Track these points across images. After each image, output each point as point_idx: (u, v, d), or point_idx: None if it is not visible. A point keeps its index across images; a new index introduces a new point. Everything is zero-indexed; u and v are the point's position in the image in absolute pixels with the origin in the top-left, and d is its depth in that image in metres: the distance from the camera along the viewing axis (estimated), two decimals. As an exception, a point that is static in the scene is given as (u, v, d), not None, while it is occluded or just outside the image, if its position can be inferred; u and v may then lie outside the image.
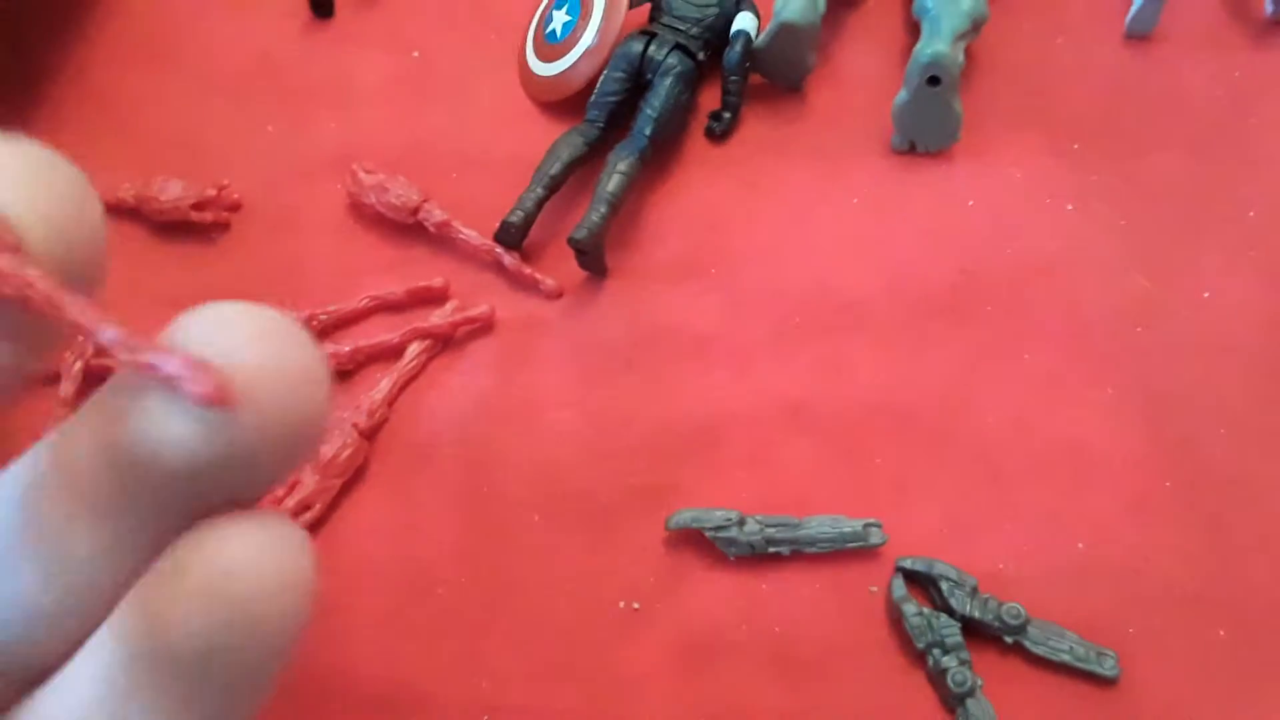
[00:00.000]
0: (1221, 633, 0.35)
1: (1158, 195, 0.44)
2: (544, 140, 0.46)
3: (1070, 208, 0.44)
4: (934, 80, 0.43)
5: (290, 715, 0.36)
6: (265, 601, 0.17)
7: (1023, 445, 0.39)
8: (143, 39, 0.52)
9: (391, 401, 0.42)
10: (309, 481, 0.39)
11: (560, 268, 0.44)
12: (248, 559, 0.17)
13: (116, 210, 0.46)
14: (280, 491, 0.39)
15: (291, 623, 0.18)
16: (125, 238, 0.46)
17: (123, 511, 0.17)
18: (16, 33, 0.51)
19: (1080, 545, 0.37)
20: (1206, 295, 0.42)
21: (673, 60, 0.45)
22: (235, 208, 0.47)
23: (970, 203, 0.44)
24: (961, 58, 0.43)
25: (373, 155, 0.47)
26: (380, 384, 0.41)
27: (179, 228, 0.46)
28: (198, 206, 0.46)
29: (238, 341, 0.17)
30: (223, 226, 0.46)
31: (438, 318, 0.43)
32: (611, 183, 0.43)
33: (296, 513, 0.39)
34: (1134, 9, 0.47)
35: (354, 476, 0.40)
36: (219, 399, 0.16)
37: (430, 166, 0.47)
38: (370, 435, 0.41)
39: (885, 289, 0.43)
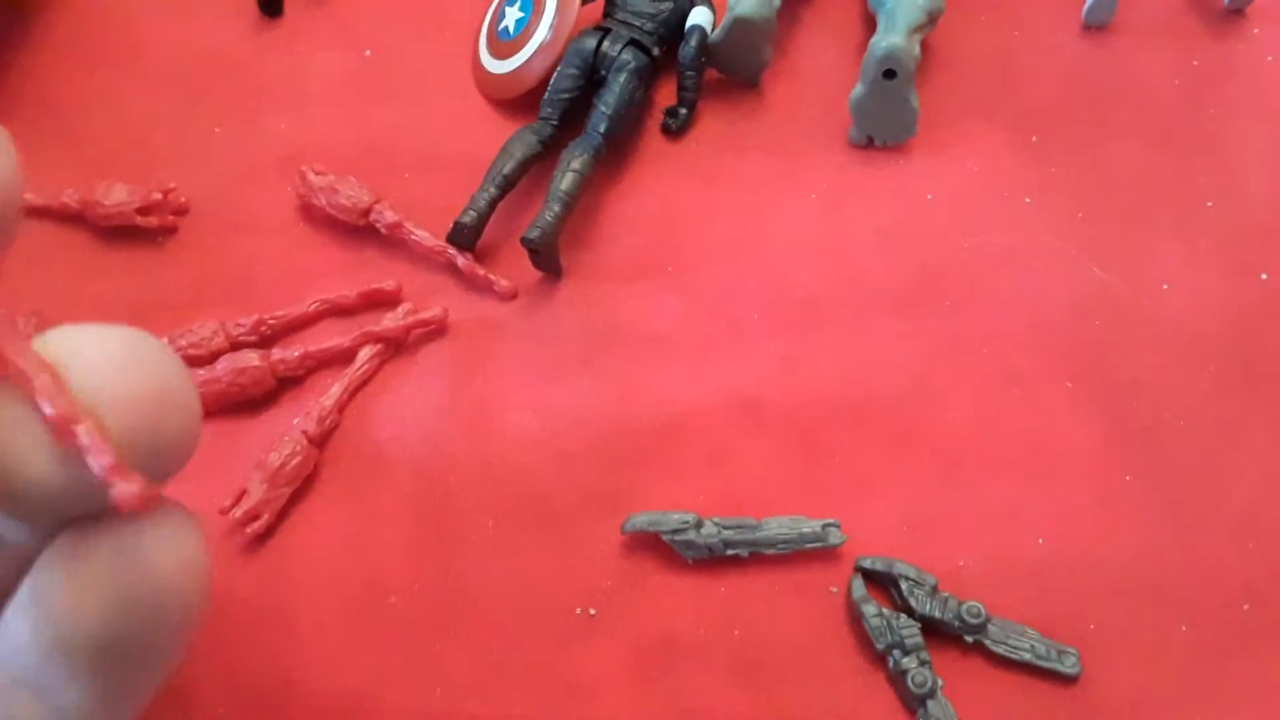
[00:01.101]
0: (1183, 627, 0.35)
1: (1116, 186, 0.44)
2: (498, 138, 0.45)
3: (1028, 200, 0.43)
4: (890, 73, 0.43)
5: (239, 730, 0.35)
6: (164, 587, 0.19)
7: (982, 441, 0.39)
8: (86, 38, 0.50)
9: (343, 408, 0.41)
10: (256, 490, 0.38)
11: (515, 268, 0.43)
12: (147, 548, 0.19)
13: (60, 215, 0.45)
14: (227, 502, 0.38)
15: (191, 603, 0.19)
16: (69, 243, 0.45)
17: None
18: (-44, 35, 0.50)
19: (1040, 541, 0.36)
20: (1166, 287, 0.41)
21: (627, 56, 0.44)
22: (182, 211, 0.46)
23: (928, 196, 0.44)
24: (917, 50, 0.43)
25: (324, 156, 0.46)
26: (331, 390, 0.41)
27: (124, 232, 0.45)
28: (143, 210, 0.45)
29: (100, 365, 0.18)
30: (169, 230, 0.45)
31: (390, 321, 0.42)
32: (565, 181, 0.42)
33: (244, 522, 0.38)
34: (1090, 0, 0.47)
35: (304, 485, 0.39)
36: (139, 506, 0.18)
37: (383, 167, 0.46)
38: (320, 442, 0.40)
39: (843, 285, 0.42)
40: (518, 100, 0.47)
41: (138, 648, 0.19)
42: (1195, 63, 0.47)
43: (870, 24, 0.48)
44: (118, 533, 0.18)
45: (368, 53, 0.50)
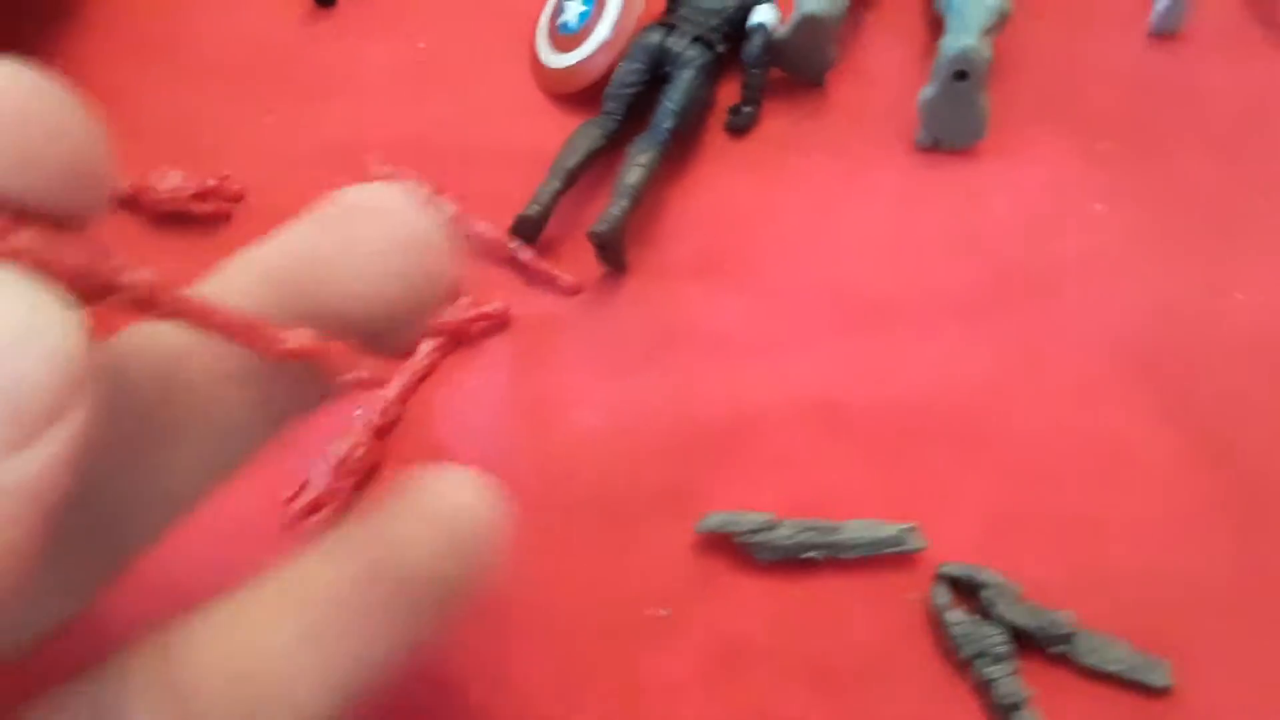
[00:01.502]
0: (1275, 639, 0.34)
1: (1187, 196, 0.43)
2: (555, 133, 0.44)
3: (1099, 207, 0.43)
4: (961, 75, 0.42)
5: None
6: (481, 537, 0.22)
7: (1060, 449, 0.38)
8: (139, 29, 0.50)
9: (405, 400, 0.40)
10: (319, 481, 0.37)
11: (576, 263, 0.42)
12: (470, 502, 0.23)
13: (112, 201, 0.44)
14: (289, 492, 0.37)
15: (492, 558, 0.23)
16: (121, 230, 0.44)
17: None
18: (12, 24, 0.49)
19: (1127, 551, 0.36)
20: (1240, 297, 0.41)
21: (693, 52, 0.44)
22: (237, 198, 0.45)
23: (999, 201, 0.43)
24: (989, 52, 0.42)
25: (378, 147, 0.45)
26: (393, 382, 0.40)
27: (178, 219, 0.44)
28: (198, 197, 0.44)
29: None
30: (223, 218, 0.44)
31: (450, 315, 0.41)
32: (632, 175, 0.41)
33: (306, 514, 0.37)
34: (1159, 8, 0.47)
35: (366, 477, 0.38)
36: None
37: (437, 160, 0.45)
38: (383, 434, 0.39)
39: (913, 288, 0.41)
40: (576, 95, 0.47)
41: (448, 596, 0.22)
42: (1265, 74, 0.46)
43: (935, 26, 0.47)
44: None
45: (422, 45, 0.50)
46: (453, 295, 0.23)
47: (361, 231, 0.22)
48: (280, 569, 0.23)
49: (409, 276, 0.22)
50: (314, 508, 0.37)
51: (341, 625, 0.22)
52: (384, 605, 0.22)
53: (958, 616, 0.34)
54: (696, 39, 0.44)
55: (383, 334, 0.23)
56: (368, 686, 0.22)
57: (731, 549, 0.36)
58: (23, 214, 0.17)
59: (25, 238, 0.17)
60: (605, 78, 0.45)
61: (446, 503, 0.22)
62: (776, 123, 0.46)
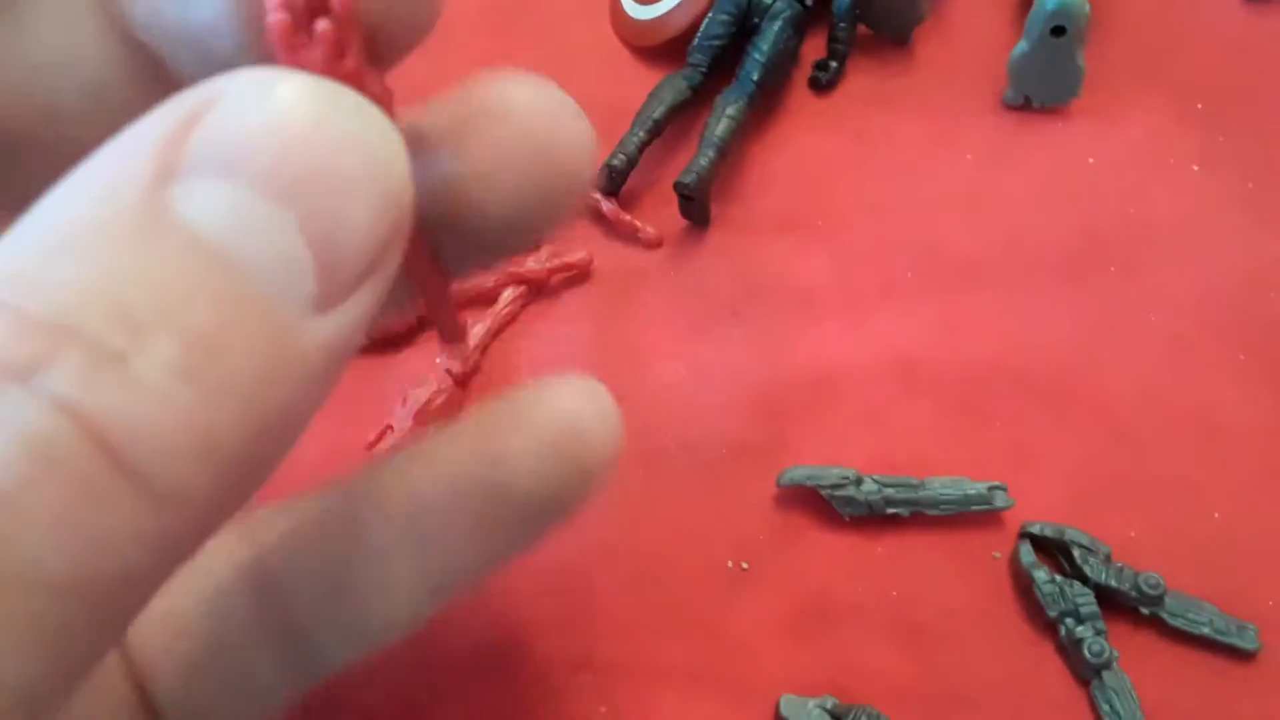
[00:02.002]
0: (1366, 609, 0.34)
1: (1283, 159, 0.42)
2: (637, 86, 0.44)
3: (1196, 168, 0.42)
4: (1059, 30, 0.41)
5: (392, 672, 0.34)
6: (591, 459, 0.22)
7: (1151, 411, 0.37)
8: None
9: (485, 348, 0.40)
10: (402, 426, 0.38)
11: (659, 216, 0.42)
12: (587, 422, 0.22)
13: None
14: (373, 436, 0.38)
15: (601, 478, 0.22)
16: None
17: None
18: None
19: (1216, 515, 0.35)
20: (1339, 262, 0.40)
21: (781, 4, 0.43)
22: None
23: (1090, 161, 0.42)
24: (1088, 7, 0.42)
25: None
26: (474, 329, 0.40)
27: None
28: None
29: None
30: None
31: (533, 263, 0.41)
32: (721, 127, 0.41)
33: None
34: (1258, -32, 0.45)
35: (447, 423, 0.39)
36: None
37: (519, 111, 0.45)
38: (464, 382, 0.39)
39: (1002, 248, 0.41)
40: (657, 48, 0.46)
41: (550, 514, 0.22)
42: (1365, 37, 0.45)
43: (1026, -16, 0.46)
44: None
45: (504, -5, 0.49)
46: (584, 192, 0.22)
47: (499, 144, 0.20)
48: (388, 465, 0.22)
49: (547, 186, 0.21)
50: (397, 451, 0.37)
51: (438, 532, 0.21)
52: (483, 517, 0.21)
53: (1045, 575, 0.34)
54: (784, -9, 0.44)
55: (515, 237, 0.22)
56: (457, 592, 0.22)
57: (814, 503, 0.36)
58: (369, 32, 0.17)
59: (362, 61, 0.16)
60: (690, 31, 0.45)
61: (561, 421, 0.22)
62: (862, 80, 0.46)
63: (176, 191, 0.14)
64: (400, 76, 0.47)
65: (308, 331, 0.14)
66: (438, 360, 0.39)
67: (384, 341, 0.40)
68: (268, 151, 0.14)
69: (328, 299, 0.15)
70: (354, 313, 0.15)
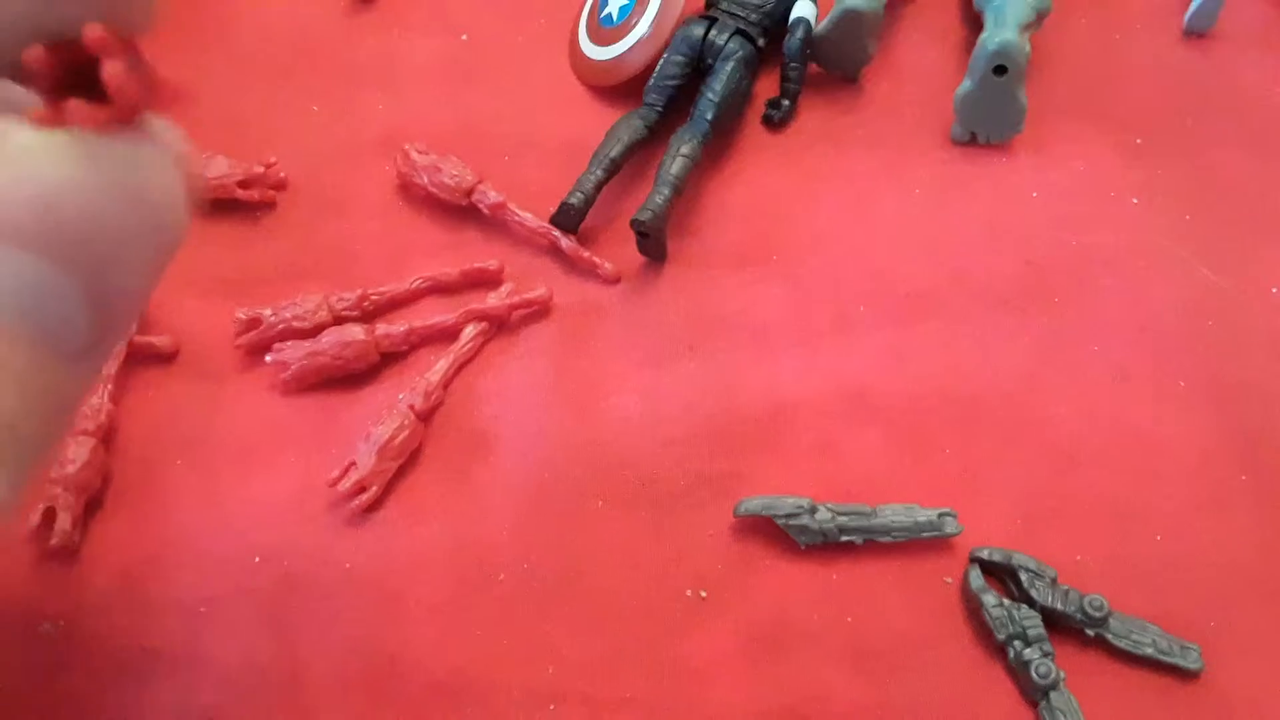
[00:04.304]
0: (1303, 628, 0.35)
1: (1221, 191, 0.44)
2: (596, 124, 0.45)
3: (1135, 201, 0.43)
4: (1000, 69, 0.43)
5: (349, 706, 0.35)
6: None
7: (1094, 437, 0.38)
8: (188, 20, 0.50)
9: (448, 384, 0.41)
10: (365, 462, 0.38)
11: (617, 252, 0.43)
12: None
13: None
14: (336, 473, 0.38)
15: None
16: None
17: None
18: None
19: (1158, 537, 0.36)
20: (1275, 290, 0.41)
21: (734, 45, 0.45)
22: (281, 186, 0.46)
23: (1033, 194, 0.44)
24: (1028, 47, 0.43)
25: (421, 137, 0.46)
26: (436, 365, 0.40)
27: (223, 206, 0.45)
28: (244, 184, 0.45)
29: None
30: (268, 205, 0.45)
31: (494, 299, 0.42)
32: (675, 165, 0.42)
33: (352, 494, 0.38)
34: (1193, 7, 0.47)
35: (409, 460, 0.39)
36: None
37: (479, 150, 0.46)
38: (426, 418, 0.40)
39: (949, 280, 0.42)
40: (616, 87, 0.48)
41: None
42: (1296, 72, 0.47)
43: (971, 23, 0.48)
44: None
45: (464, 37, 0.50)
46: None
47: None
48: None
49: None
50: (359, 489, 0.38)
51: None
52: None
53: (994, 599, 0.35)
54: (738, 32, 0.45)
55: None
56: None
57: (770, 533, 0.37)
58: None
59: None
60: (646, 71, 0.46)
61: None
62: (813, 117, 0.47)
63: None
64: (364, 117, 0.48)
65: (73, 376, 0.16)
66: (400, 397, 0.40)
67: (346, 379, 0.41)
68: (43, 216, 0.16)
69: (96, 345, 0.16)
70: (116, 343, 0.16)
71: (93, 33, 0.20)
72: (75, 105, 0.19)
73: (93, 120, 0.20)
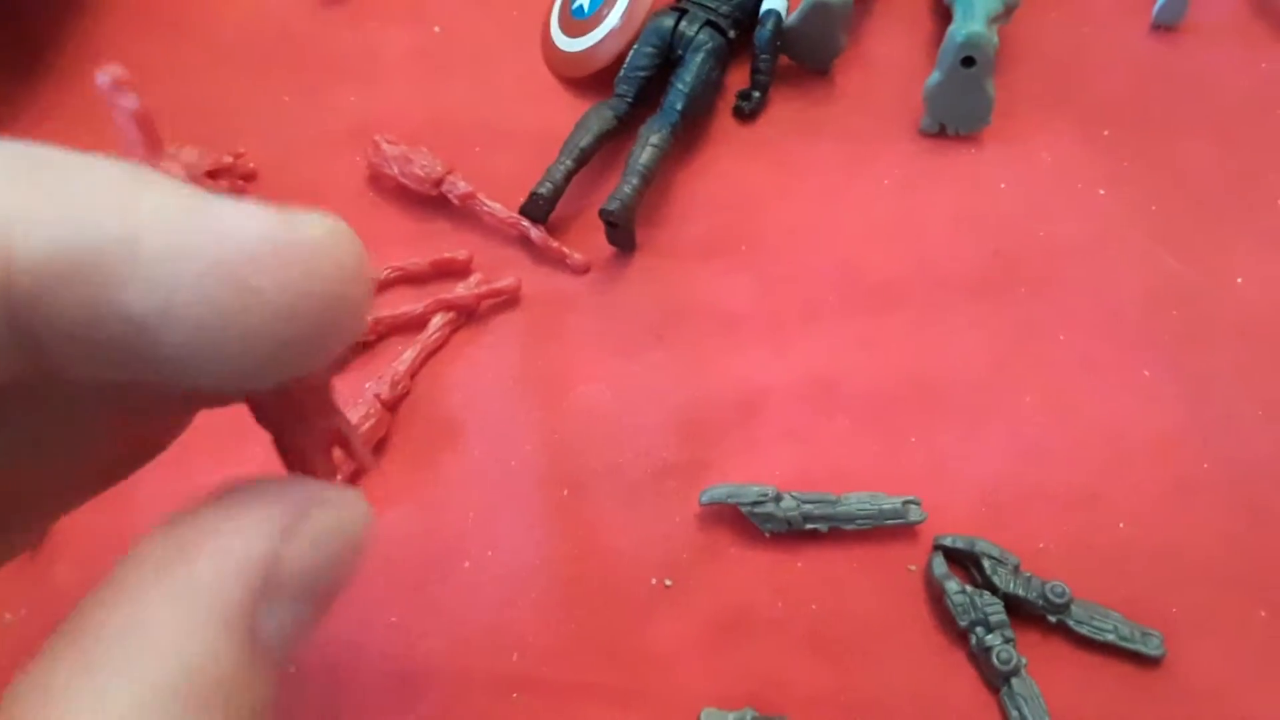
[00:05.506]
0: (1263, 613, 0.35)
1: (1188, 182, 0.44)
2: (567, 115, 0.45)
3: (1102, 192, 0.44)
4: (969, 61, 0.43)
5: (311, 695, 0.35)
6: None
7: (1060, 426, 0.39)
8: (160, 8, 0.50)
9: (415, 373, 0.41)
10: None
11: (586, 243, 0.43)
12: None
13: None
14: (302, 461, 0.38)
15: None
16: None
17: None
18: (35, 4, 0.50)
19: (1121, 525, 0.36)
20: (1239, 280, 0.41)
21: (704, 37, 0.45)
22: (251, 177, 0.46)
23: (1001, 185, 0.44)
24: (996, 39, 0.43)
25: (393, 128, 0.46)
26: (403, 355, 0.40)
27: (193, 195, 0.45)
28: (212, 174, 0.44)
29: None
30: (238, 196, 0.45)
31: (463, 289, 0.42)
32: (644, 155, 0.42)
33: (319, 482, 0.38)
34: (1161, 0, 0.47)
35: (376, 449, 0.39)
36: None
37: (451, 140, 0.46)
38: (393, 407, 0.40)
39: (917, 270, 0.42)
40: (587, 78, 0.48)
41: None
42: (1264, 65, 0.47)
43: (941, 16, 0.48)
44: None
45: (437, 28, 0.50)
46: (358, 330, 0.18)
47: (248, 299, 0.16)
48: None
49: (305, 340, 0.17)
50: (327, 475, 0.38)
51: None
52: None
53: (956, 586, 0.35)
54: (708, 24, 0.45)
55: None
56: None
57: (735, 521, 0.37)
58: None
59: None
60: (617, 62, 0.46)
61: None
62: (784, 109, 0.47)
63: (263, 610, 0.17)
64: (336, 109, 0.48)
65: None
66: (366, 386, 0.40)
67: (314, 368, 0.41)
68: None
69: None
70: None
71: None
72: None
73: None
